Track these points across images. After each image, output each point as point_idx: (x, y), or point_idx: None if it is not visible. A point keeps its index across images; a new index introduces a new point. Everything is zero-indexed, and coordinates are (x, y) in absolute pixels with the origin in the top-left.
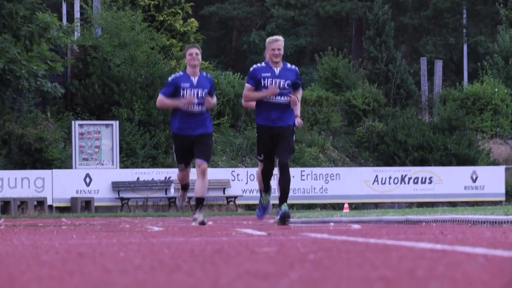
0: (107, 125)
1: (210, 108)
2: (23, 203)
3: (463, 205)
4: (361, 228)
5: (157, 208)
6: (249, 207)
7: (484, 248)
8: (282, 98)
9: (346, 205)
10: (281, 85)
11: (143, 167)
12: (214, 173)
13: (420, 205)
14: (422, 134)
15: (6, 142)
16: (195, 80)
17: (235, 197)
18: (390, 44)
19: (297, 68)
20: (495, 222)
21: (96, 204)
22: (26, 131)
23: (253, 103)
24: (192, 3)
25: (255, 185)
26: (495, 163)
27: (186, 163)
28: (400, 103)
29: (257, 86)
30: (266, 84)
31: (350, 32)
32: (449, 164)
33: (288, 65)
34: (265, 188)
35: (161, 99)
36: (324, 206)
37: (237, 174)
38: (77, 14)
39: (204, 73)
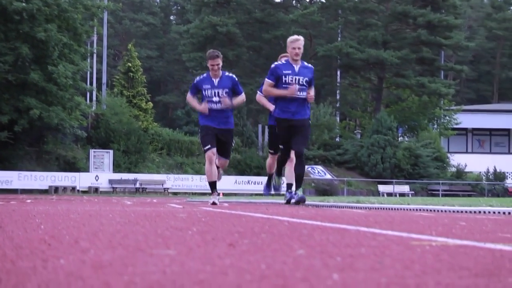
0: (107, 152)
1: (234, 107)
2: (65, 188)
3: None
4: (228, 205)
5: (130, 193)
6: (175, 193)
7: (287, 217)
8: (301, 93)
9: (221, 194)
10: (300, 82)
11: (124, 172)
12: (160, 176)
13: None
14: None
15: (58, 159)
16: (216, 81)
17: (168, 188)
18: None
19: (312, 66)
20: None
21: (100, 190)
22: (67, 153)
23: (266, 101)
24: (150, 94)
25: (180, 182)
26: None
27: (212, 145)
28: None
29: (277, 82)
30: (287, 80)
31: None
32: None
33: (305, 63)
34: (279, 172)
35: (188, 98)
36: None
37: (170, 177)
38: (94, 97)
39: (226, 73)
